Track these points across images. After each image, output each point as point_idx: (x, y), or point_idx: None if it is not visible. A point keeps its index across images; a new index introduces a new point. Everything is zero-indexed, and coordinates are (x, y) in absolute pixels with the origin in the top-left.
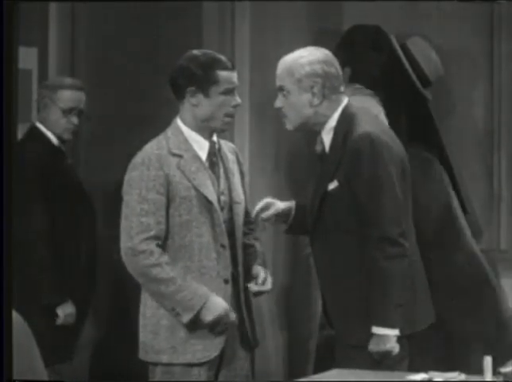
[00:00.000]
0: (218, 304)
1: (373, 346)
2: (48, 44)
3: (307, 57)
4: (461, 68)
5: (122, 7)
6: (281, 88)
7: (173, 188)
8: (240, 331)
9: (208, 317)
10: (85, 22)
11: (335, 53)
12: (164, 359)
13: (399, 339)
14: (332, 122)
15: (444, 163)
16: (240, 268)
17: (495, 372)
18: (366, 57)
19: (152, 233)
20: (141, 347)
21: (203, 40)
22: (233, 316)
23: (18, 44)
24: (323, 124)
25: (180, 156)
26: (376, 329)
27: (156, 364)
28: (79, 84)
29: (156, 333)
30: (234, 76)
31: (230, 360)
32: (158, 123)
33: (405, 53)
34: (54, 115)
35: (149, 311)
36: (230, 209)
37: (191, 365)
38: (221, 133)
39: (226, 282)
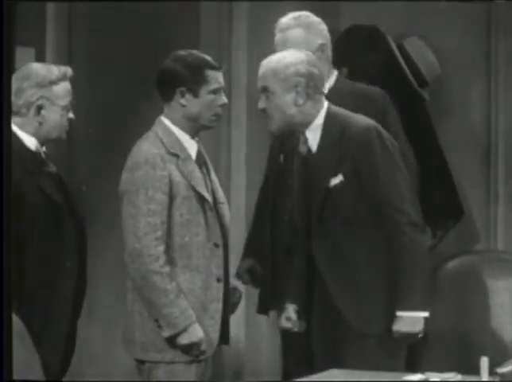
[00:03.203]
0: (197, 332)
1: (399, 327)
2: (46, 44)
3: (290, 58)
4: (458, 68)
5: (120, 8)
6: (265, 89)
7: (175, 187)
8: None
9: (184, 340)
10: (82, 22)
11: (333, 53)
12: (168, 357)
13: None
14: (319, 120)
15: (440, 163)
16: (230, 267)
17: (492, 373)
18: (363, 57)
19: (159, 233)
20: (138, 346)
21: (201, 41)
22: (205, 346)
23: (15, 44)
24: (308, 124)
25: (177, 156)
26: (404, 314)
27: (157, 363)
28: (70, 72)
29: (158, 331)
30: (220, 75)
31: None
32: None
33: (401, 53)
34: (55, 116)
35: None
36: (217, 210)
37: (191, 362)
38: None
39: (218, 280)
